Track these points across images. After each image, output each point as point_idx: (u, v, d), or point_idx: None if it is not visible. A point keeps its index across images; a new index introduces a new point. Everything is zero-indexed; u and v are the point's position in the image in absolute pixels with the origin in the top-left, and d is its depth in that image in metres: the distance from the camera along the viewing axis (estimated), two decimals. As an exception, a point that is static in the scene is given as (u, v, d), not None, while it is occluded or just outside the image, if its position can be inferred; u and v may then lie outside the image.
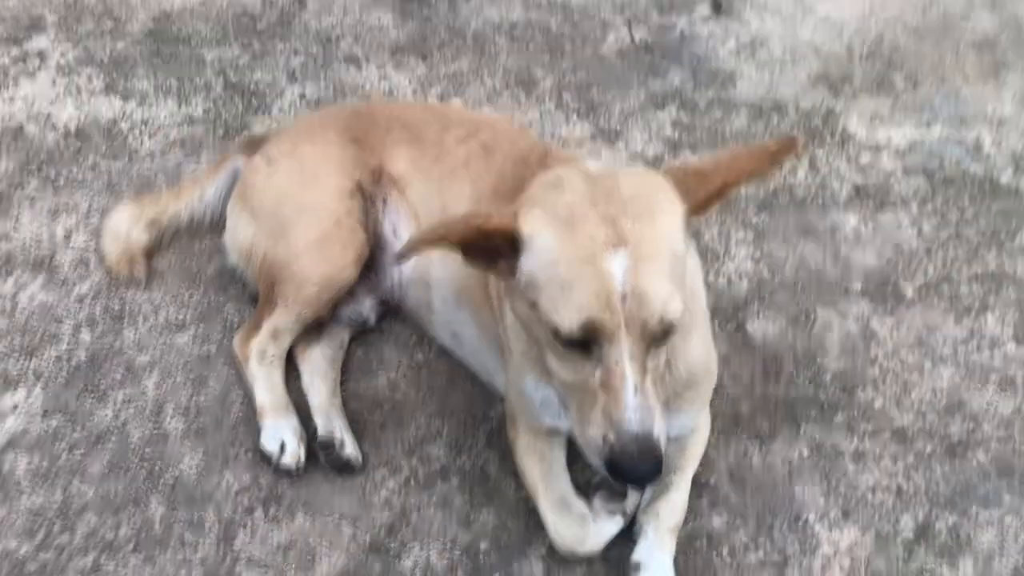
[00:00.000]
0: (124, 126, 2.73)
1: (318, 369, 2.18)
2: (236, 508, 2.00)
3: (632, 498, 1.93)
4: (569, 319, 1.42)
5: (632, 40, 3.08)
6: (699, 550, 1.96)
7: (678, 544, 1.91)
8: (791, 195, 2.63)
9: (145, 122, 2.74)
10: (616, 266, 1.40)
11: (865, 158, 2.74)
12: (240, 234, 2.23)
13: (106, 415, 2.12)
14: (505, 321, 1.92)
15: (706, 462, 2.07)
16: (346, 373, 2.23)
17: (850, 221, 2.58)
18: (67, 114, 2.75)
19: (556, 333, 1.45)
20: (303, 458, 2.05)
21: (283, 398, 2.11)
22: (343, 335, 2.26)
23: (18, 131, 2.69)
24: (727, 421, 2.15)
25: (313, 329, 2.21)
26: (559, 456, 1.97)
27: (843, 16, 3.18)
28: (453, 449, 2.11)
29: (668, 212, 1.48)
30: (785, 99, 2.90)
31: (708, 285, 2.31)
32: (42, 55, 2.92)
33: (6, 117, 2.73)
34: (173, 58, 2.93)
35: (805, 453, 2.12)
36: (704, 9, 3.20)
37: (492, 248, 1.51)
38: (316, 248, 2.11)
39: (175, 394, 2.17)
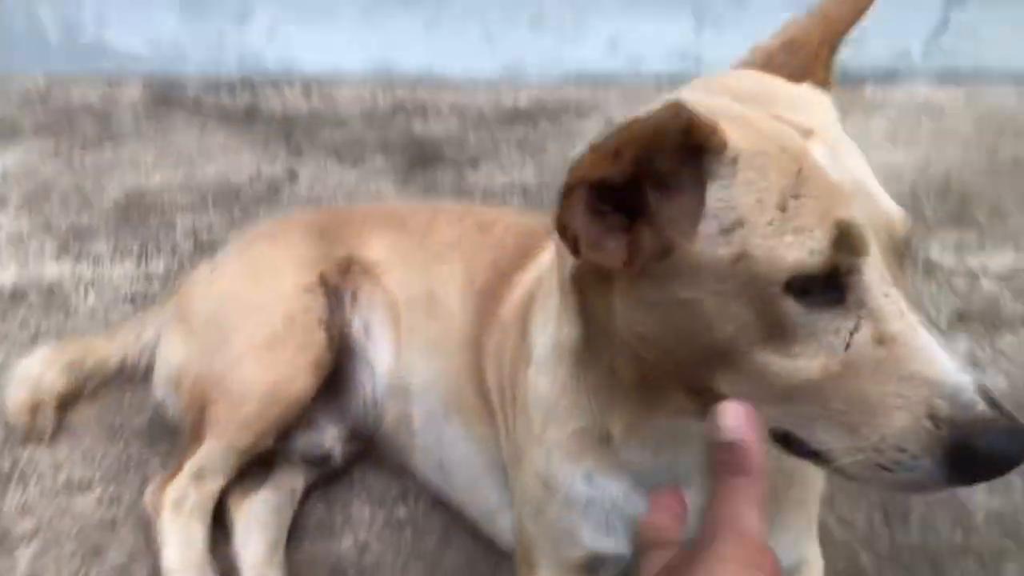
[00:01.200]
0: (68, 285, 2.32)
1: (257, 519, 1.56)
2: None
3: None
4: (814, 237, 0.84)
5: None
6: None
7: None
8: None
9: (93, 281, 2.33)
10: (820, 156, 0.87)
11: (961, 285, 2.23)
12: (170, 356, 1.71)
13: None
14: (508, 425, 1.36)
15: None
16: (298, 532, 1.61)
17: (960, 345, 2.01)
18: (6, 277, 2.35)
19: (789, 282, 0.84)
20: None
21: (200, 559, 1.48)
22: (296, 480, 1.66)
23: (-55, 295, 2.28)
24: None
25: (256, 472, 1.62)
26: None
27: (899, 164, 2.81)
28: (442, 629, 1.44)
29: (816, 95, 1.01)
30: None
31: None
32: (-6, 228, 2.59)
33: (-65, 283, 2.33)
34: (141, 224, 2.58)
35: (970, 617, 1.41)
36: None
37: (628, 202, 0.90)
38: (260, 353, 1.58)
39: (57, 568, 1.54)
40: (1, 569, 1.55)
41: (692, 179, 0.87)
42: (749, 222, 0.85)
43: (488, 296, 1.53)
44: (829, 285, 0.85)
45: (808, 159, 0.88)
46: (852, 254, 0.85)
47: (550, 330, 1.21)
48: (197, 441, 1.58)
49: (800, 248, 0.84)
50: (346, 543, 1.59)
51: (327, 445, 1.67)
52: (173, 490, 1.54)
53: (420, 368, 1.61)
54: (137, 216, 2.63)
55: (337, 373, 1.68)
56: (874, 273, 0.86)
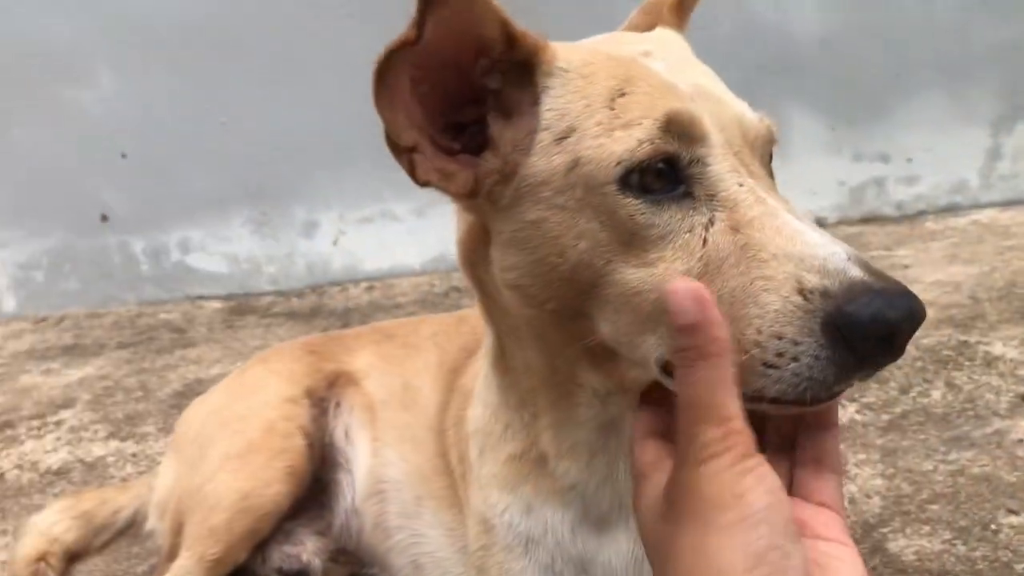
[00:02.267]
0: (111, 460, 2.37)
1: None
2: None
3: None
4: (642, 126, 0.80)
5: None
6: None
7: None
8: (926, 414, 1.90)
9: (135, 455, 2.38)
10: (654, 64, 0.87)
11: (1024, 373, 2.02)
12: (160, 484, 1.71)
13: None
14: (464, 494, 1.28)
15: None
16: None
17: (1022, 426, 1.79)
18: (55, 458, 2.43)
19: (624, 179, 0.80)
20: None
21: None
22: (275, 599, 1.56)
23: (-3, 477, 2.37)
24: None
25: (233, 593, 1.54)
26: None
27: (959, 276, 2.65)
28: None
29: (665, 32, 1.02)
30: (899, 342, 2.28)
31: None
32: (59, 423, 2.71)
33: (-8, 468, 2.43)
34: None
35: None
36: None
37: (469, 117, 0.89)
38: (234, 462, 1.56)
39: None
40: None
41: (529, 101, 0.87)
42: (580, 127, 0.83)
43: (454, 373, 1.49)
44: (671, 179, 0.81)
45: (637, 64, 0.87)
46: (688, 143, 0.80)
47: (482, 360, 1.17)
48: (172, 559, 1.54)
49: (628, 140, 0.80)
50: (319, 662, 1.46)
51: (305, 559, 1.58)
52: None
53: (393, 461, 1.55)
54: (188, 401, 2.72)
55: (320, 485, 1.63)
56: (723, 164, 0.81)
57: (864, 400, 2.01)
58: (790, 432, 0.80)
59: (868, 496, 1.65)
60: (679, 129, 0.81)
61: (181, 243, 3.79)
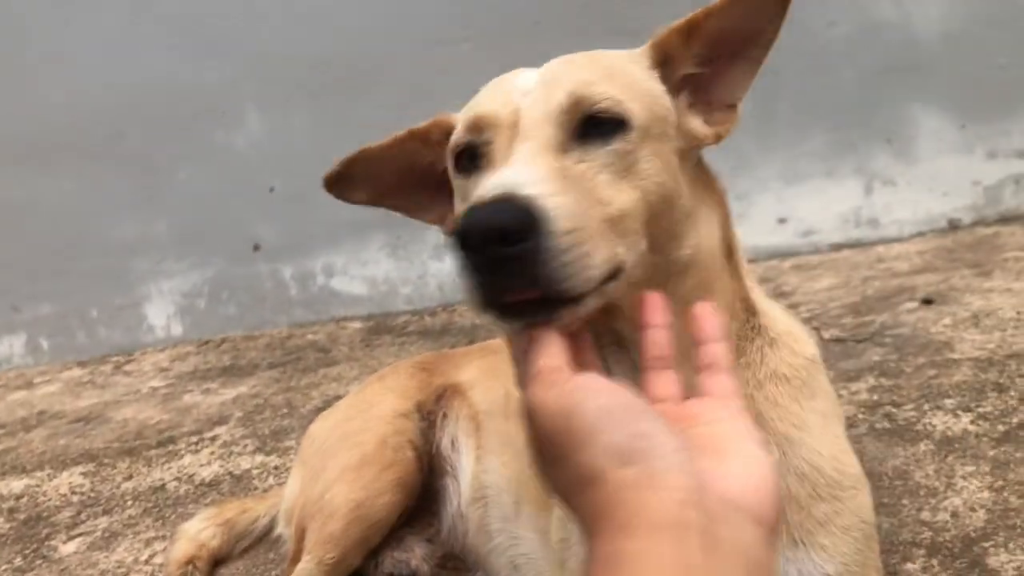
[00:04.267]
0: (255, 472, 2.58)
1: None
2: None
3: None
4: (457, 128, 1.08)
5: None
6: None
7: None
8: (1046, 423, 1.83)
9: (277, 467, 2.58)
10: (524, 76, 1.07)
11: None
12: (287, 494, 1.87)
13: None
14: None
15: None
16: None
17: None
18: (208, 471, 2.67)
19: (454, 163, 1.09)
20: None
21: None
22: (387, 601, 1.68)
23: (158, 488, 2.63)
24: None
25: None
26: None
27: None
28: None
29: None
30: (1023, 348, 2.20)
31: (922, 523, 1.58)
32: (214, 438, 2.97)
33: (156, 480, 2.69)
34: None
35: None
36: (910, 305, 2.69)
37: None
38: (350, 474, 1.70)
39: None
40: None
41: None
42: None
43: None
44: (474, 160, 1.04)
45: (504, 81, 1.09)
46: (480, 132, 1.03)
47: None
48: (295, 562, 1.69)
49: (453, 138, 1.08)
50: (426, 660, 1.57)
51: (414, 564, 1.70)
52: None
53: (495, 467, 1.65)
54: (327, 415, 2.92)
55: (429, 493, 1.75)
56: (500, 141, 1.00)
57: (980, 410, 1.95)
58: (668, 351, 0.92)
59: (972, 509, 1.61)
60: (474, 125, 1.03)
61: (325, 268, 4.05)
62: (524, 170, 0.91)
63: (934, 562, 1.49)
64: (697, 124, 1.09)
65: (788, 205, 3.40)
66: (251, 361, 3.75)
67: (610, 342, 1.06)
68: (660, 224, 1.01)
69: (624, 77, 1.04)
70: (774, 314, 1.19)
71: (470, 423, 1.76)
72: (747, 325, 1.15)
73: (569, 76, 1.01)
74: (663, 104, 1.05)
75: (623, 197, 0.97)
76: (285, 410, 3.07)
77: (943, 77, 3.12)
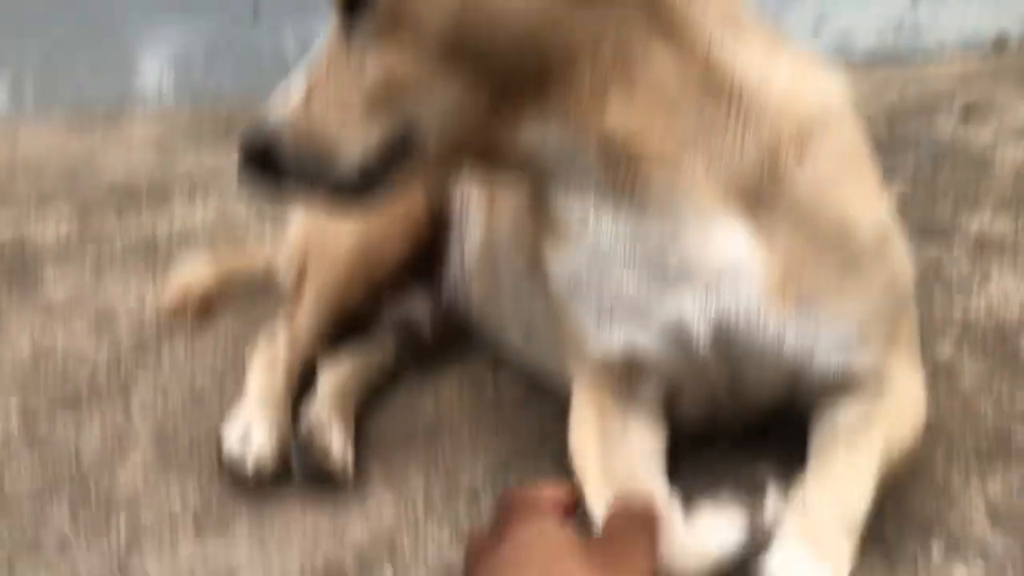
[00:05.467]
0: (254, 224, 2.49)
1: (336, 374, 1.53)
2: (161, 518, 1.31)
3: (773, 498, 1.00)
4: None
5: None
6: (922, 615, 0.95)
7: None
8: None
9: (276, 219, 2.49)
10: None
11: None
12: (290, 235, 1.77)
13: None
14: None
15: (944, 492, 1.11)
16: (381, 399, 1.56)
17: None
18: (204, 222, 2.57)
19: None
20: (271, 461, 1.34)
21: (276, 399, 1.46)
22: (387, 350, 1.62)
23: (149, 234, 2.53)
24: (985, 450, 1.19)
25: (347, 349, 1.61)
26: (640, 428, 1.12)
27: None
28: (498, 470, 1.32)
29: None
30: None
31: (955, 312, 1.51)
32: (209, 193, 2.85)
33: (147, 226, 2.59)
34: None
35: None
36: (948, 115, 2.55)
37: None
38: (356, 220, 1.59)
39: (164, 409, 1.60)
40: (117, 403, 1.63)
41: None
42: None
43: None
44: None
45: None
46: None
47: None
48: (295, 303, 1.61)
49: None
50: (425, 405, 1.53)
51: (416, 316, 1.63)
52: (265, 342, 1.56)
53: (506, 228, 1.54)
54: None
55: (436, 248, 1.66)
56: None
57: (1021, 217, 1.86)
58: None
59: (1007, 302, 1.54)
60: None
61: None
62: (293, 84, 1.02)
63: (964, 348, 1.42)
64: None
65: (828, 10, 3.19)
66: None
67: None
68: (471, 49, 0.97)
69: None
70: (769, 82, 1.02)
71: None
72: (716, 106, 1.00)
73: None
74: None
75: (386, 60, 0.98)
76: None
77: None
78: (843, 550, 0.90)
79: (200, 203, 2.72)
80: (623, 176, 1.03)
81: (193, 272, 1.99)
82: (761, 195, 1.02)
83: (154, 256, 2.37)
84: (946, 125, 2.48)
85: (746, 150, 1.02)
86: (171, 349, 1.83)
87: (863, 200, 1.05)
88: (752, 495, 1.04)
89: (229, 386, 1.65)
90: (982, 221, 1.85)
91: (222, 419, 1.42)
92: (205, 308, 1.96)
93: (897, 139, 2.44)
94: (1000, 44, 3.11)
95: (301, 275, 1.64)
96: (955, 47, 3.14)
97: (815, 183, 1.02)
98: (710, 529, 0.97)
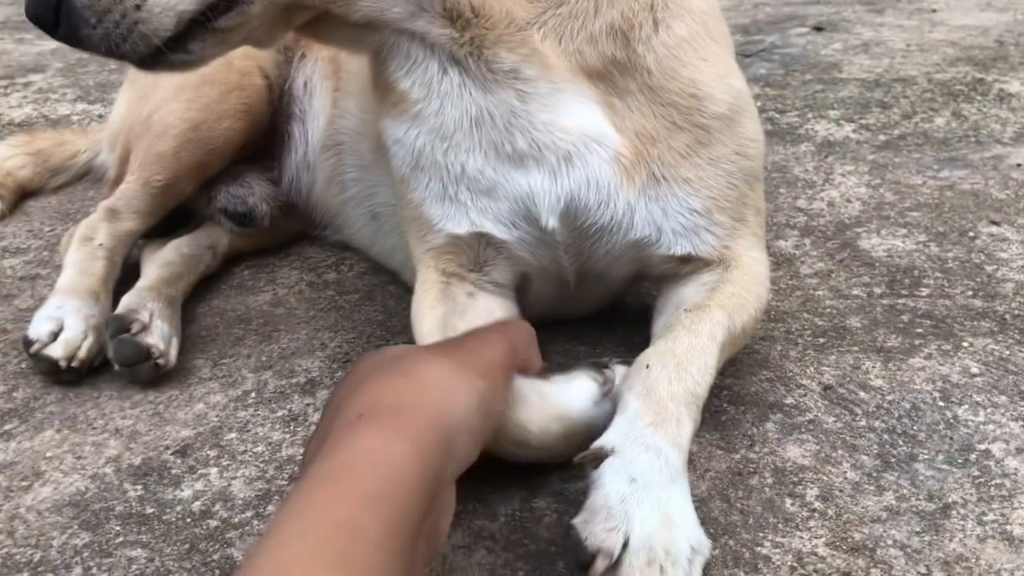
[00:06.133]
0: (75, 119, 2.29)
1: (162, 258, 1.42)
2: (-46, 419, 1.19)
3: (620, 371, 0.97)
4: None
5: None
6: (756, 489, 0.96)
7: (720, 474, 0.97)
8: (926, 138, 1.80)
9: (101, 116, 2.29)
10: None
11: (1035, 112, 1.90)
12: (112, 117, 1.62)
13: None
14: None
15: (781, 374, 1.12)
16: (214, 292, 1.46)
17: (1022, 153, 1.69)
18: (19, 113, 2.34)
19: None
20: (85, 355, 1.23)
21: (93, 287, 1.34)
22: (219, 238, 1.51)
23: None
24: (821, 334, 1.21)
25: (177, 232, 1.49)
26: (489, 304, 1.08)
27: (987, 23, 2.48)
28: (337, 361, 1.25)
29: None
30: (912, 74, 2.15)
31: (798, 209, 1.52)
32: (27, 84, 2.61)
33: None
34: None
35: (975, 370, 1.12)
36: (801, 30, 2.59)
37: None
38: (188, 92, 1.46)
39: (-36, 309, 1.45)
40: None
41: None
42: None
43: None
44: None
45: None
46: None
47: None
48: (117, 184, 1.48)
49: None
50: (261, 298, 1.43)
51: (251, 202, 1.51)
52: (84, 226, 1.42)
53: (354, 112, 1.45)
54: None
55: (275, 134, 1.55)
56: None
57: (863, 121, 1.90)
58: None
59: (848, 201, 1.57)
60: None
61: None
62: None
63: (806, 241, 1.45)
64: None
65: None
66: (76, 18, 3.29)
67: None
68: None
69: None
70: None
71: (329, 65, 1.54)
72: None
73: None
74: None
75: None
76: (114, 65, 2.71)
77: None
78: (683, 418, 0.88)
79: (17, 95, 2.48)
80: (469, 42, 0.96)
81: (5, 158, 1.80)
82: (615, 64, 0.98)
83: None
84: (799, 39, 2.51)
85: (600, 15, 0.97)
86: (-24, 242, 1.66)
87: (717, 69, 1.01)
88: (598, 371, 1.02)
89: (43, 282, 1.51)
90: (828, 128, 1.89)
91: (32, 316, 1.29)
92: (18, 199, 1.79)
93: (752, 48, 2.45)
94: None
95: (125, 154, 1.50)
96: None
97: (669, 51, 0.98)
98: (559, 393, 0.93)
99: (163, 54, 0.89)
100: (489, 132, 1.00)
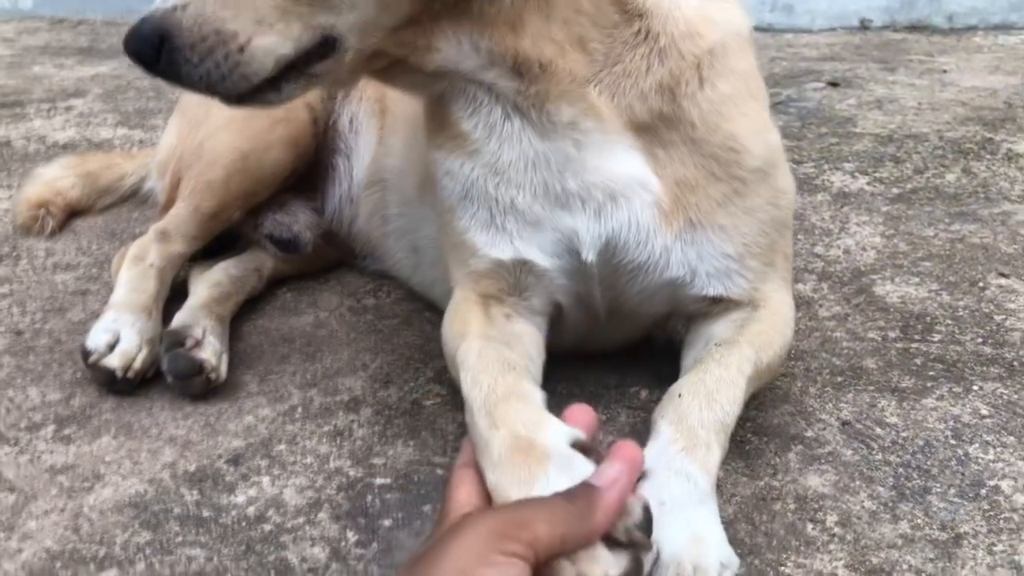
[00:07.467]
0: (118, 142, 2.38)
1: (210, 278, 1.49)
2: (19, 423, 1.25)
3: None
4: None
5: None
6: (779, 513, 1.02)
7: (746, 499, 1.04)
8: (937, 192, 1.88)
9: (142, 141, 2.38)
10: None
11: (1043, 170, 1.98)
12: (163, 144, 1.71)
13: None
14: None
15: (801, 409, 1.19)
16: (258, 313, 1.53)
17: (1030, 211, 1.78)
18: (63, 135, 2.43)
19: None
20: (140, 366, 1.30)
21: (145, 303, 1.41)
22: (264, 261, 1.59)
23: (4, 143, 2.37)
24: (839, 373, 1.28)
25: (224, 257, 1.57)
26: (525, 342, 1.14)
27: (996, 85, 2.57)
28: (378, 381, 1.32)
29: None
30: (924, 131, 2.23)
31: (816, 255, 1.61)
32: (69, 108, 2.70)
33: (1, 136, 2.44)
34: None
35: (985, 412, 1.18)
36: (816, 85, 2.68)
37: None
38: (237, 123, 1.54)
39: (21, 316, 1.52)
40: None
41: None
42: None
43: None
44: None
45: None
46: None
47: None
48: (167, 209, 1.55)
49: None
50: (304, 320, 1.50)
51: (295, 229, 1.59)
52: (136, 246, 1.50)
53: (398, 150, 1.53)
54: (199, 103, 2.69)
55: (320, 167, 1.63)
56: None
57: (877, 174, 1.98)
58: None
59: (863, 249, 1.65)
60: None
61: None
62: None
63: (824, 286, 1.52)
64: None
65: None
66: (113, 47, 3.40)
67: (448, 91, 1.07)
68: None
69: None
70: (679, 7, 1.05)
71: (375, 104, 1.62)
72: (625, 30, 1.04)
73: None
74: None
75: None
76: (152, 93, 2.81)
77: None
78: (713, 445, 0.95)
79: (60, 118, 2.57)
80: (532, 95, 1.03)
81: (57, 178, 1.88)
82: (661, 118, 1.05)
83: (8, 162, 2.23)
84: (814, 93, 2.61)
85: (651, 73, 1.05)
86: (30, 260, 1.73)
87: (755, 125, 1.09)
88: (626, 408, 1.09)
89: (93, 296, 1.58)
90: (843, 179, 1.97)
91: (86, 328, 1.36)
92: (67, 218, 1.87)
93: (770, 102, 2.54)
94: (864, 26, 3.29)
95: (176, 180, 1.58)
96: (824, 24, 3.31)
97: (712, 107, 1.06)
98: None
99: (256, 92, 0.96)
100: (543, 173, 1.07)
